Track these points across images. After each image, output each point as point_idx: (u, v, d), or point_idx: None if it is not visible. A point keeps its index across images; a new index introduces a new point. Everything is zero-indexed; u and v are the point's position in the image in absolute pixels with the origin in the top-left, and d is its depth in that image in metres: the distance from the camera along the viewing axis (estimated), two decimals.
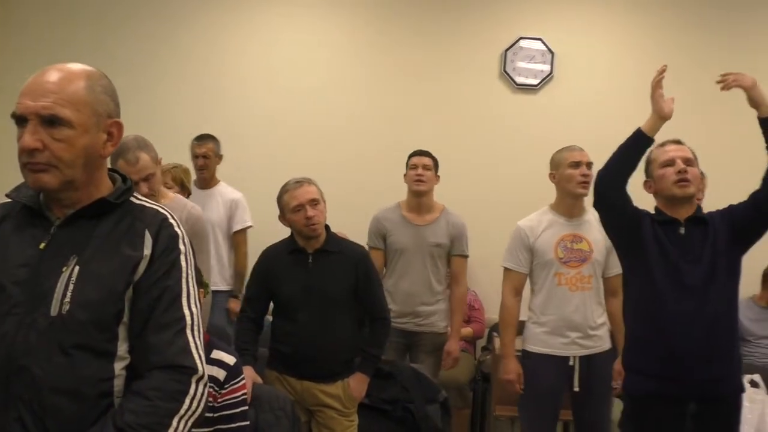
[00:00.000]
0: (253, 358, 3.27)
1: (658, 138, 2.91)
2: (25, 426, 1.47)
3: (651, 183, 2.96)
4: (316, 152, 5.38)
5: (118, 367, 1.53)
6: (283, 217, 3.34)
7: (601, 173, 2.87)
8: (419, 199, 4.29)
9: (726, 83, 2.80)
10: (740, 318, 4.70)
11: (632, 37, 5.45)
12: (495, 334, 4.87)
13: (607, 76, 5.43)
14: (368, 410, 3.53)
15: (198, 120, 5.26)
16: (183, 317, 1.56)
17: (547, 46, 5.40)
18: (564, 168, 3.60)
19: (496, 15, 5.49)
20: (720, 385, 2.83)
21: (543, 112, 5.41)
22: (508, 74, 5.43)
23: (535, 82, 5.42)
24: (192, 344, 1.55)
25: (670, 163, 2.88)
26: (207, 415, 2.57)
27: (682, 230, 2.87)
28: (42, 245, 1.55)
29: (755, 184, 2.87)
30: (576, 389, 3.55)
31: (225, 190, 4.83)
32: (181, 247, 1.62)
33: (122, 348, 1.54)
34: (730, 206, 2.94)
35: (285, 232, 3.44)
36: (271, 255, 3.42)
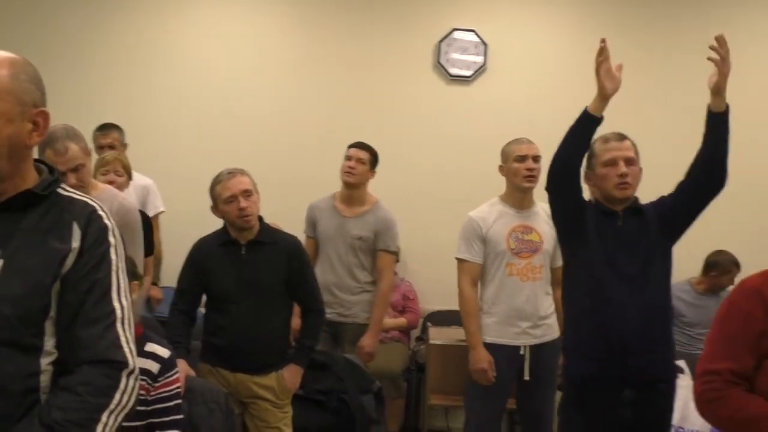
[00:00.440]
0: (186, 350, 3.23)
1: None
2: None
3: (591, 176, 2.99)
4: (248, 143, 5.33)
5: (45, 362, 1.50)
6: (215, 209, 3.30)
7: (555, 156, 2.88)
8: (350, 191, 4.30)
9: (716, 54, 2.69)
10: (675, 300, 4.86)
11: (565, 28, 5.53)
12: (429, 324, 4.92)
13: (539, 68, 5.49)
14: (303, 401, 3.53)
15: (128, 110, 5.16)
16: (113, 311, 1.54)
17: (480, 38, 5.44)
18: (510, 161, 3.65)
19: (430, 5, 5.50)
20: (656, 371, 2.91)
21: (476, 103, 5.45)
22: (442, 65, 5.45)
23: (468, 73, 5.46)
24: (122, 338, 1.52)
25: (612, 163, 2.91)
26: (140, 408, 2.53)
27: (620, 222, 2.93)
28: None
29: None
30: (526, 378, 3.60)
31: (136, 178, 4.72)
32: (111, 239, 1.59)
33: (49, 343, 1.51)
34: (662, 197, 3.00)
35: (217, 224, 3.41)
36: (203, 247, 3.38)
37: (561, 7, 5.54)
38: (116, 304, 1.54)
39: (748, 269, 2.25)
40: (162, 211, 4.68)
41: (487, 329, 3.65)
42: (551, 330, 3.66)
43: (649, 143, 4.77)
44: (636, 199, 2.98)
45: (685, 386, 3.74)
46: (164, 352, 2.67)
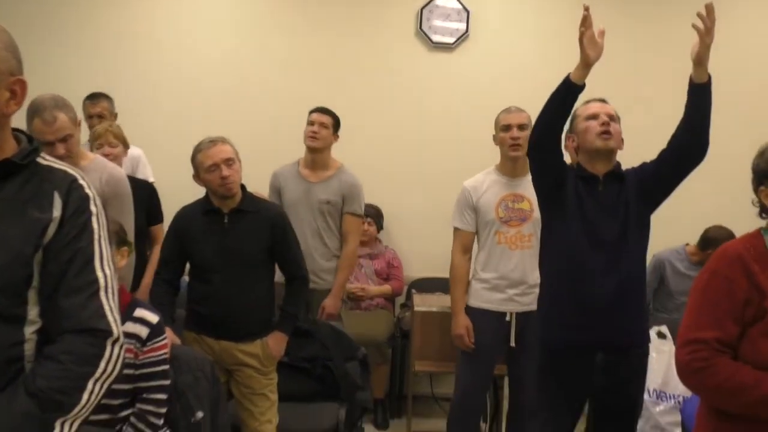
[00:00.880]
0: (171, 319, 3.24)
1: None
2: None
3: (573, 138, 3.00)
4: (229, 112, 5.29)
5: (29, 331, 1.50)
6: (197, 177, 3.29)
7: (535, 124, 2.90)
8: (314, 155, 4.31)
9: (702, 23, 2.65)
10: (666, 267, 4.89)
11: None
12: (414, 291, 4.94)
13: (522, 35, 5.47)
14: (288, 368, 3.56)
15: (115, 80, 5.10)
16: (96, 280, 1.53)
17: (462, 5, 5.40)
18: (498, 131, 3.72)
19: None
20: (628, 336, 2.94)
21: (459, 71, 5.44)
22: (424, 32, 5.42)
23: (451, 40, 5.43)
24: (106, 307, 1.53)
25: (594, 117, 2.93)
26: (128, 372, 2.56)
27: (601, 187, 2.94)
28: None
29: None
30: (512, 345, 3.65)
31: None
32: (92, 208, 1.58)
33: (32, 312, 1.51)
34: (643, 164, 3.01)
35: (199, 193, 3.40)
36: (185, 216, 3.37)
37: None
38: (99, 273, 1.54)
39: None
40: (153, 181, 4.63)
41: (475, 294, 3.73)
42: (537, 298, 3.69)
43: (634, 111, 4.82)
44: (618, 165, 3.00)
45: (666, 351, 3.79)
46: (153, 318, 2.70)
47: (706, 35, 2.64)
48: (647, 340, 3.04)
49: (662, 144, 2.93)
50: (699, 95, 2.76)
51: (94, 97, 4.58)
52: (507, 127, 3.65)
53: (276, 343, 3.31)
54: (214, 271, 3.24)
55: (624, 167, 3.02)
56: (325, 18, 5.43)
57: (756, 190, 2.17)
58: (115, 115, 4.64)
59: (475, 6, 5.42)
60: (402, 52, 5.45)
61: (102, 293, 1.53)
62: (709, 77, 2.74)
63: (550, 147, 2.89)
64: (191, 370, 2.94)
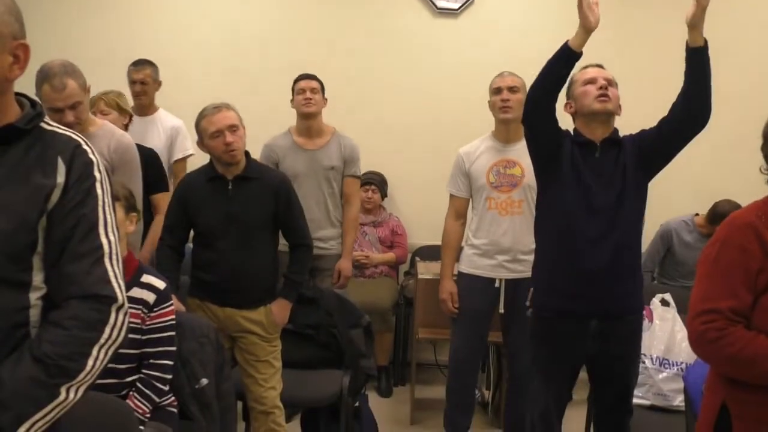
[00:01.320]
0: (175, 286, 3.24)
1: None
2: None
3: (571, 103, 2.99)
4: (237, 80, 5.27)
5: (34, 297, 1.50)
6: (201, 144, 3.27)
7: (531, 89, 2.89)
8: (309, 122, 4.28)
9: None
10: (674, 237, 4.90)
11: None
12: (418, 258, 4.95)
13: (526, 0, 5.42)
14: (292, 335, 3.57)
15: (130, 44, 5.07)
16: (100, 246, 1.53)
17: None
18: (491, 94, 3.73)
19: None
20: (622, 304, 2.94)
21: (463, 36, 5.39)
22: None
23: (455, 6, 5.38)
24: (111, 273, 1.52)
25: (592, 81, 2.92)
26: (135, 337, 2.58)
27: (597, 154, 2.92)
28: None
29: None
30: (501, 311, 3.66)
31: (165, 118, 4.63)
32: (96, 174, 1.57)
33: (38, 278, 1.50)
34: (642, 131, 2.99)
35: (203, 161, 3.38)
36: (189, 182, 3.36)
37: None
38: (103, 239, 1.53)
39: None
40: (191, 154, 4.57)
41: (467, 260, 3.76)
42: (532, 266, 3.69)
43: (638, 78, 4.78)
44: (615, 131, 2.98)
45: (669, 319, 3.78)
46: (160, 284, 2.72)
47: (702, 3, 2.60)
48: (641, 306, 3.05)
49: (666, 111, 2.91)
50: (696, 60, 2.73)
51: (138, 64, 4.57)
52: (498, 90, 3.66)
53: (280, 310, 3.32)
54: (218, 238, 3.23)
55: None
56: None
57: (765, 157, 2.15)
58: (158, 83, 4.63)
59: None
60: (407, 18, 5.40)
61: (106, 259, 1.52)
62: (706, 42, 2.71)
63: (546, 113, 2.88)
64: (195, 337, 2.95)
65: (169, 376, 2.73)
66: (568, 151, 2.93)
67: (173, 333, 2.74)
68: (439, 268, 3.89)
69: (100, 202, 1.55)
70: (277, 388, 3.31)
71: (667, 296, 3.90)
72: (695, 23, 2.66)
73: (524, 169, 3.63)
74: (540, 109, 2.87)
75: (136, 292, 2.63)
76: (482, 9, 5.40)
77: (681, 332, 3.60)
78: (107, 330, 1.48)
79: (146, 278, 2.70)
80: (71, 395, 1.45)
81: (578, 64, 2.88)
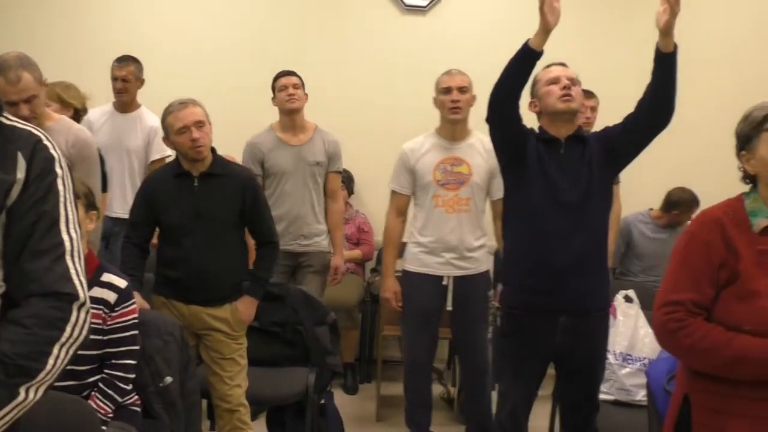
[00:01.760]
0: (140, 283, 3.22)
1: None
2: None
3: (536, 102, 3.01)
4: (200, 76, 5.23)
5: None
6: (167, 139, 3.24)
7: (494, 89, 2.90)
8: (293, 118, 4.27)
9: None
10: (633, 231, 5.01)
11: None
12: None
13: None
14: (258, 333, 3.55)
15: (73, 39, 5.00)
16: (62, 242, 1.50)
17: None
18: (438, 93, 3.71)
19: None
20: (589, 299, 2.97)
21: (432, 34, 5.40)
22: None
23: (423, 3, 5.39)
24: (72, 270, 1.49)
25: (555, 81, 2.93)
26: (96, 338, 2.55)
27: (562, 150, 2.94)
28: None
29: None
30: (449, 308, 3.67)
31: (145, 116, 4.59)
32: (58, 170, 1.54)
33: None
34: (606, 128, 3.02)
35: None
36: (155, 179, 3.34)
37: None
38: (65, 236, 1.51)
39: (706, 204, 2.28)
40: (170, 155, 4.50)
41: (413, 258, 3.74)
42: (478, 263, 3.73)
43: (605, 76, 4.82)
44: (579, 128, 3.01)
45: (633, 315, 3.82)
46: (121, 282, 2.68)
47: (675, 4, 2.63)
48: (609, 302, 3.08)
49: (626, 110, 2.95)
50: (665, 64, 2.76)
51: (122, 60, 4.53)
52: (447, 90, 3.65)
53: (246, 307, 3.30)
54: (184, 235, 3.21)
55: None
56: None
57: (738, 155, 2.19)
58: (141, 81, 4.57)
59: None
60: (375, 15, 5.40)
61: (68, 256, 1.50)
62: (676, 46, 2.74)
63: (510, 111, 2.90)
64: (160, 334, 2.92)
65: (132, 376, 2.70)
66: (533, 148, 2.95)
67: (136, 332, 2.71)
68: (403, 265, 3.88)
69: (62, 199, 1.53)
70: (243, 385, 3.29)
71: (631, 292, 3.94)
72: (668, 29, 2.69)
73: (471, 166, 3.65)
74: (504, 109, 2.89)
75: (97, 292, 2.59)
76: (450, 6, 5.41)
77: (644, 328, 3.64)
78: (68, 328, 1.46)
79: (107, 277, 2.65)
80: (31, 395, 1.43)
81: (541, 63, 2.90)
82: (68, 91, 3.98)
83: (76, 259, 1.51)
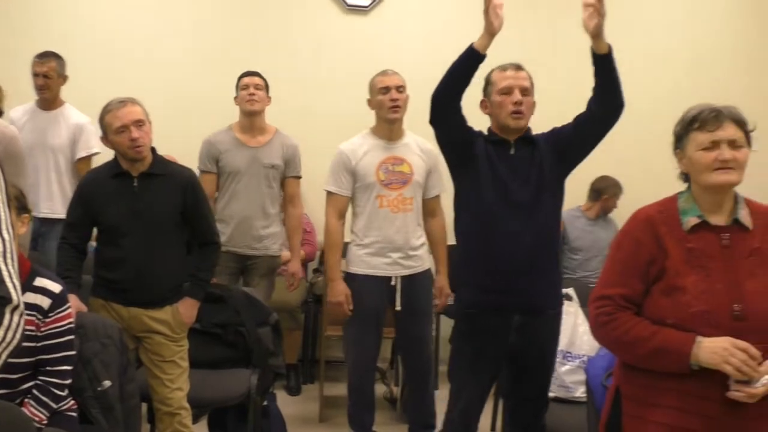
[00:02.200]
0: (77, 285, 3.15)
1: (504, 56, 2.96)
2: None
3: (488, 104, 3.02)
4: (140, 77, 5.15)
5: None
6: (105, 139, 3.18)
7: (436, 90, 2.91)
8: (252, 119, 4.24)
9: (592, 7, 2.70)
10: (569, 229, 5.16)
11: None
12: None
13: None
14: (199, 335, 3.51)
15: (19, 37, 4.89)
16: None
17: None
18: (375, 93, 3.71)
19: None
20: (544, 297, 3.01)
21: (373, 34, 5.41)
22: None
23: (366, 3, 5.39)
24: (5, 272, 1.46)
25: (508, 91, 2.94)
26: (29, 345, 2.48)
27: (512, 150, 2.97)
28: None
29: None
30: (398, 308, 3.68)
31: (69, 114, 4.50)
32: None
33: None
34: (554, 129, 3.06)
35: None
36: (93, 179, 3.27)
37: None
38: None
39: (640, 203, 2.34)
40: (96, 152, 4.41)
41: (358, 261, 3.70)
42: (422, 261, 3.75)
43: (547, 76, 4.85)
44: (528, 130, 3.04)
45: (572, 312, 3.89)
46: (55, 287, 2.60)
47: (599, 6, 2.68)
48: (561, 300, 3.13)
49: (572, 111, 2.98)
50: (603, 65, 2.81)
51: (42, 56, 4.41)
52: (386, 89, 3.65)
53: (187, 309, 3.26)
54: (123, 236, 3.15)
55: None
56: None
57: (674, 154, 2.27)
58: (64, 78, 4.46)
59: None
60: (316, 14, 5.39)
61: (0, 258, 1.46)
62: (610, 47, 2.79)
63: (453, 113, 2.92)
64: (98, 337, 2.87)
65: (68, 381, 2.64)
66: (482, 148, 2.97)
67: (72, 337, 2.65)
68: (345, 265, 3.86)
69: None
70: (184, 388, 3.25)
71: (570, 291, 3.99)
72: (597, 33, 2.74)
73: (412, 166, 3.67)
74: (447, 110, 2.91)
75: (30, 297, 2.50)
76: (392, 7, 5.42)
77: (583, 326, 3.69)
78: (1, 332, 1.42)
79: (40, 281, 2.58)
80: None
81: (497, 60, 2.92)
82: None
83: (9, 261, 1.48)
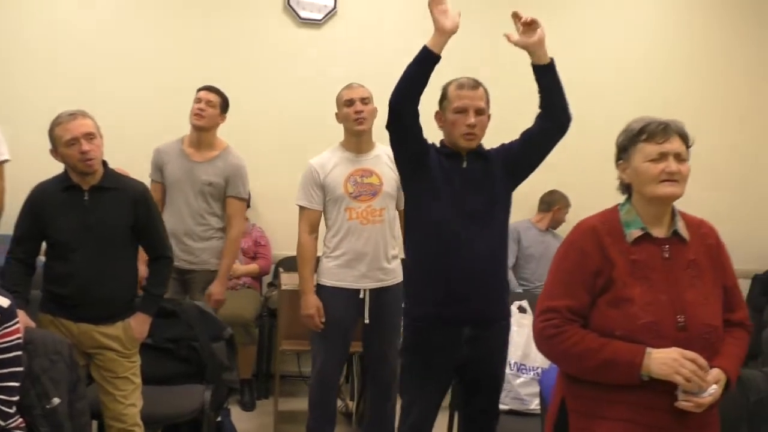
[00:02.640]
0: (25, 300, 3.09)
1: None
2: None
3: (442, 118, 3.02)
4: (93, 87, 5.09)
5: None
6: (55, 152, 3.13)
7: (394, 94, 2.88)
8: (199, 134, 4.22)
9: (524, 24, 2.76)
10: (522, 237, 5.23)
11: None
12: (281, 269, 4.91)
13: (389, 12, 5.48)
14: (152, 350, 3.46)
15: None
16: None
17: None
18: (341, 107, 3.73)
19: None
20: (493, 309, 3.02)
21: (327, 47, 5.41)
22: (292, 8, 5.36)
23: (319, 16, 5.40)
24: None
25: (463, 110, 2.95)
26: None
27: (465, 164, 2.99)
28: None
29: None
30: (366, 321, 3.67)
31: None
32: None
33: None
34: (503, 144, 3.08)
35: (55, 169, 3.23)
36: (42, 192, 3.20)
37: None
38: None
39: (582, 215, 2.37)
40: (6, 160, 4.30)
41: (328, 272, 3.71)
42: (394, 274, 3.74)
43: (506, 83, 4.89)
44: (480, 145, 3.05)
45: (526, 325, 3.92)
46: (3, 301, 2.56)
47: (533, 22, 2.74)
48: (509, 311, 3.16)
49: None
50: (545, 77, 2.86)
51: None
52: (350, 102, 3.67)
53: (139, 324, 3.21)
54: (73, 250, 3.10)
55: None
56: None
57: (616, 165, 2.30)
58: None
59: None
60: (270, 27, 5.38)
61: None
62: (551, 59, 2.83)
63: (410, 117, 2.89)
64: (47, 353, 2.82)
65: (15, 398, 2.58)
66: (435, 159, 2.98)
67: (20, 353, 2.60)
68: (318, 280, 3.84)
69: None
70: (137, 404, 3.20)
71: (524, 303, 4.04)
72: (540, 45, 2.78)
73: (381, 177, 3.68)
74: (403, 114, 2.88)
75: None
76: (345, 20, 5.44)
77: None
78: None
79: None
80: None
81: (455, 72, 2.94)
82: None
83: None
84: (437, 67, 2.83)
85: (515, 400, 3.75)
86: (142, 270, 3.41)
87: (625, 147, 2.25)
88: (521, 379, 3.78)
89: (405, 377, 3.12)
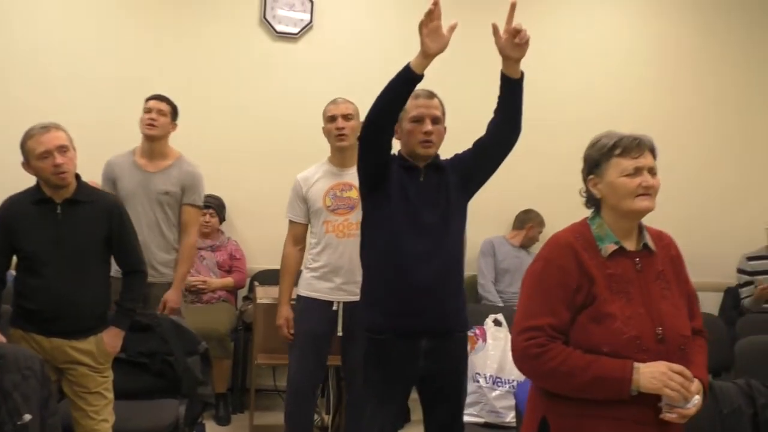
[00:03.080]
0: None
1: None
2: None
3: (398, 130, 3.02)
4: (65, 99, 5.06)
5: None
6: (27, 165, 3.10)
7: (371, 111, 2.87)
8: (151, 144, 4.18)
9: (518, 35, 2.72)
10: (496, 246, 5.29)
11: None
12: (256, 283, 4.90)
13: (365, 26, 5.51)
14: (125, 365, 3.44)
15: None
16: None
17: None
18: (325, 122, 3.76)
19: None
20: (450, 320, 3.01)
21: (302, 61, 5.42)
22: (268, 22, 5.37)
23: (295, 30, 5.41)
24: None
25: (419, 119, 2.96)
26: None
27: (422, 177, 3.00)
28: None
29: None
30: (339, 333, 3.67)
31: None
32: None
33: None
34: (456, 155, 3.10)
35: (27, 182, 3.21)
36: (13, 205, 3.17)
37: None
38: None
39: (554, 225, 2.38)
40: None
41: (305, 283, 3.76)
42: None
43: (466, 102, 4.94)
44: (437, 156, 3.07)
45: (502, 338, 3.93)
46: None
47: (523, 33, 2.71)
48: (467, 322, 3.13)
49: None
50: (514, 89, 2.87)
51: None
52: (332, 118, 3.70)
53: (111, 338, 3.18)
54: (45, 264, 3.07)
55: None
56: (170, 3, 5.29)
57: (585, 180, 2.30)
58: None
59: None
60: (246, 41, 5.38)
61: None
62: (522, 73, 2.84)
63: (382, 135, 2.90)
64: (18, 369, 2.79)
65: None
66: (395, 171, 2.99)
67: None
68: (278, 292, 3.86)
69: None
70: (110, 420, 3.17)
71: (500, 316, 4.05)
72: (516, 60, 2.78)
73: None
74: (379, 131, 2.88)
75: None
76: (321, 34, 5.45)
77: None
78: None
79: None
80: None
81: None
82: None
83: None
84: None
85: (491, 413, 3.76)
86: None
87: (597, 162, 2.24)
88: (497, 392, 3.79)
89: (364, 389, 3.09)
